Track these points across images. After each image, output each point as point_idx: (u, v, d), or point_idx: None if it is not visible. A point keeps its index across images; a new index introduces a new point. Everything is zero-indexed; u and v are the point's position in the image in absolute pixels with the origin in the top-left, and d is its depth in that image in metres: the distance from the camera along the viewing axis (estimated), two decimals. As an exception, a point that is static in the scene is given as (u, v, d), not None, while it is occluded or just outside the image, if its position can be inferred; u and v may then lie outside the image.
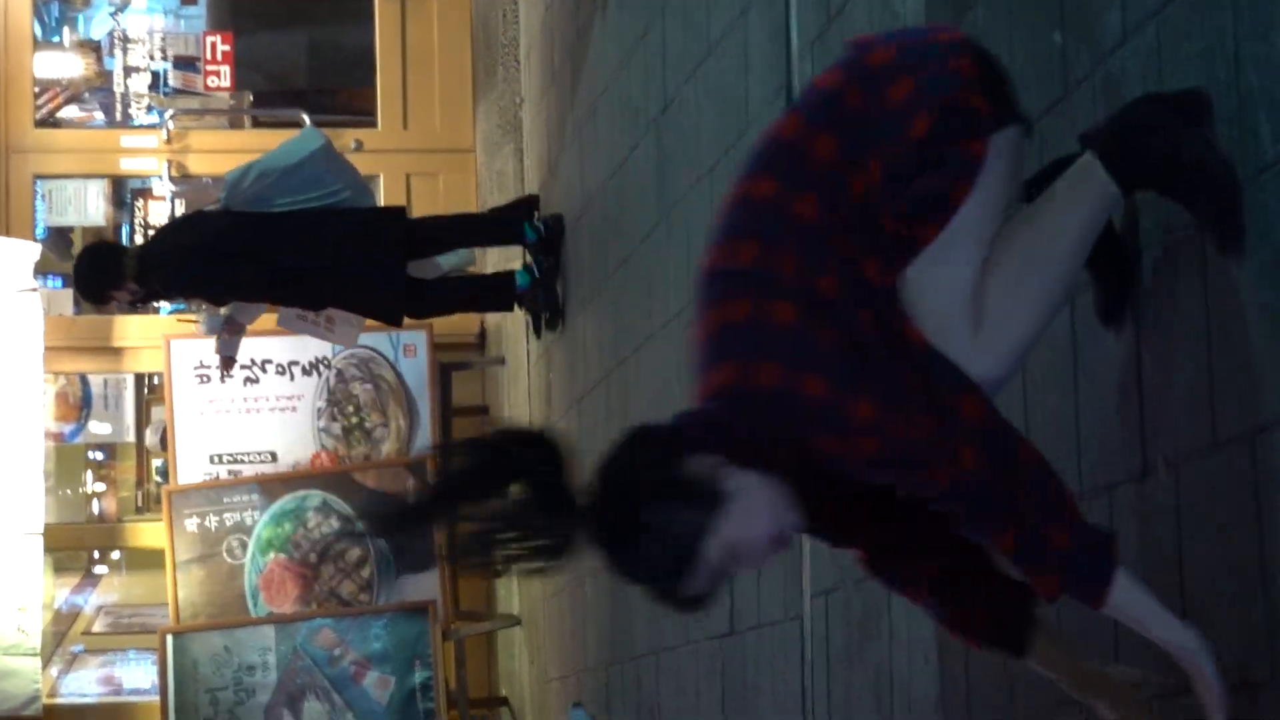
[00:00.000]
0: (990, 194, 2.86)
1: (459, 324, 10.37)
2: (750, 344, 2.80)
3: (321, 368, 9.79)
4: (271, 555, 9.53)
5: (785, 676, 5.19)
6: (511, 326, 9.58)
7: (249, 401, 9.82)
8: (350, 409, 9.75)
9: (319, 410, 9.82)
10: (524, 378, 9.13)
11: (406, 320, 9.86)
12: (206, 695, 9.35)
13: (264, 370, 9.80)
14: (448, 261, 8.29)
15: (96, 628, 11.84)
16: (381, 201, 10.58)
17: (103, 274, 7.64)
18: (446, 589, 9.25)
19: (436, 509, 2.95)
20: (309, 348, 9.77)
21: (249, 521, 9.55)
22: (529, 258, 8.28)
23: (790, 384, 2.74)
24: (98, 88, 11.76)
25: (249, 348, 9.86)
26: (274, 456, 9.84)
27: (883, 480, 2.76)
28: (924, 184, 2.83)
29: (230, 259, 7.51)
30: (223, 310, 8.07)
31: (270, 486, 9.61)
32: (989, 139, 2.85)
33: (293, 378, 9.85)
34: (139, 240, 11.75)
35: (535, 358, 8.91)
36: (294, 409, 9.79)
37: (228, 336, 8.17)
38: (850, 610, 4.66)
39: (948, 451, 2.74)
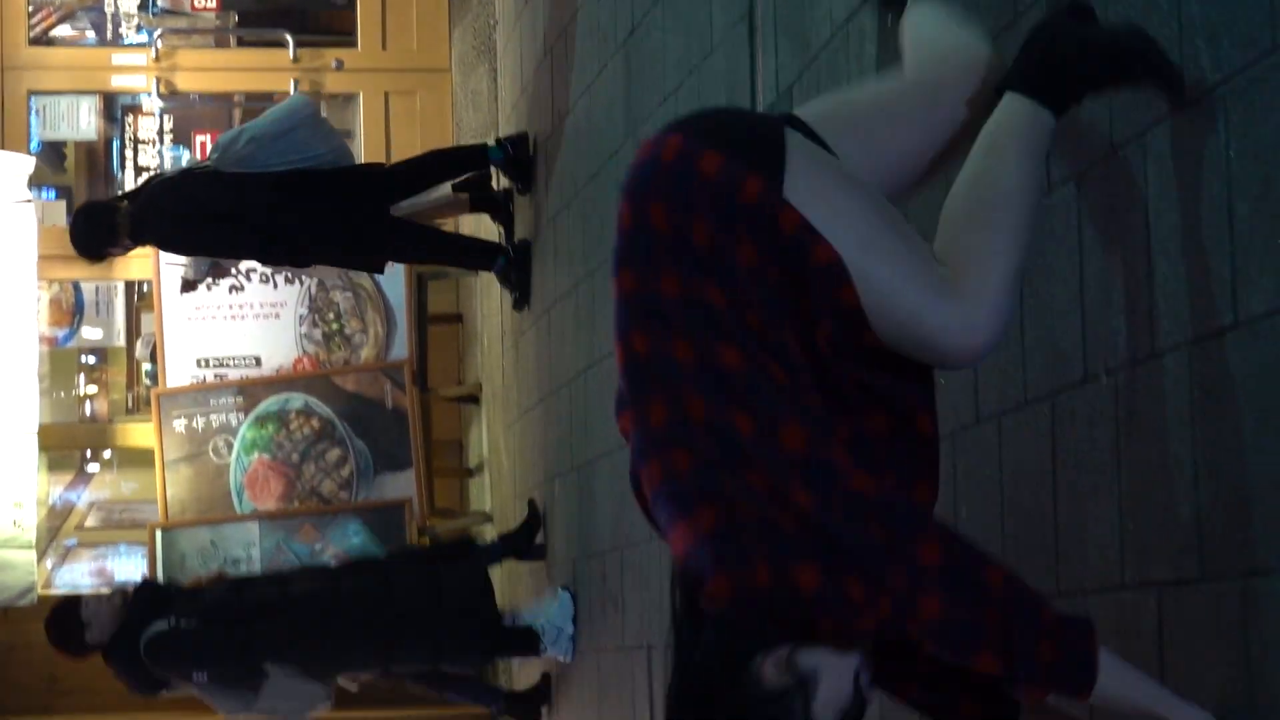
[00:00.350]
0: (843, 198, 2.70)
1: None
2: (735, 546, 2.63)
3: (304, 276, 9.78)
4: (255, 455, 9.54)
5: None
6: (485, 237, 9.55)
7: (234, 309, 9.81)
8: (331, 316, 9.73)
9: (301, 317, 9.81)
10: (497, 288, 9.10)
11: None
12: (193, 584, 9.38)
13: (249, 279, 9.79)
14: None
15: (89, 523, 11.87)
16: (361, 116, 10.58)
17: (98, 233, 7.64)
18: (422, 487, 9.27)
19: None
20: (293, 257, 9.77)
21: (234, 423, 9.56)
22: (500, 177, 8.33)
23: (784, 581, 2.61)
24: (89, 7, 11.64)
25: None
26: (258, 361, 9.84)
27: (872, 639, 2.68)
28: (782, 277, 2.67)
29: (221, 220, 7.51)
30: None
31: (254, 389, 9.61)
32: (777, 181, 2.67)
33: (276, 286, 9.84)
34: (129, 156, 11.69)
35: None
36: (277, 316, 9.77)
37: (212, 280, 8.19)
38: (805, 509, 4.67)
39: (910, 604, 2.61)
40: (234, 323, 9.80)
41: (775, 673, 2.69)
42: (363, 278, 9.71)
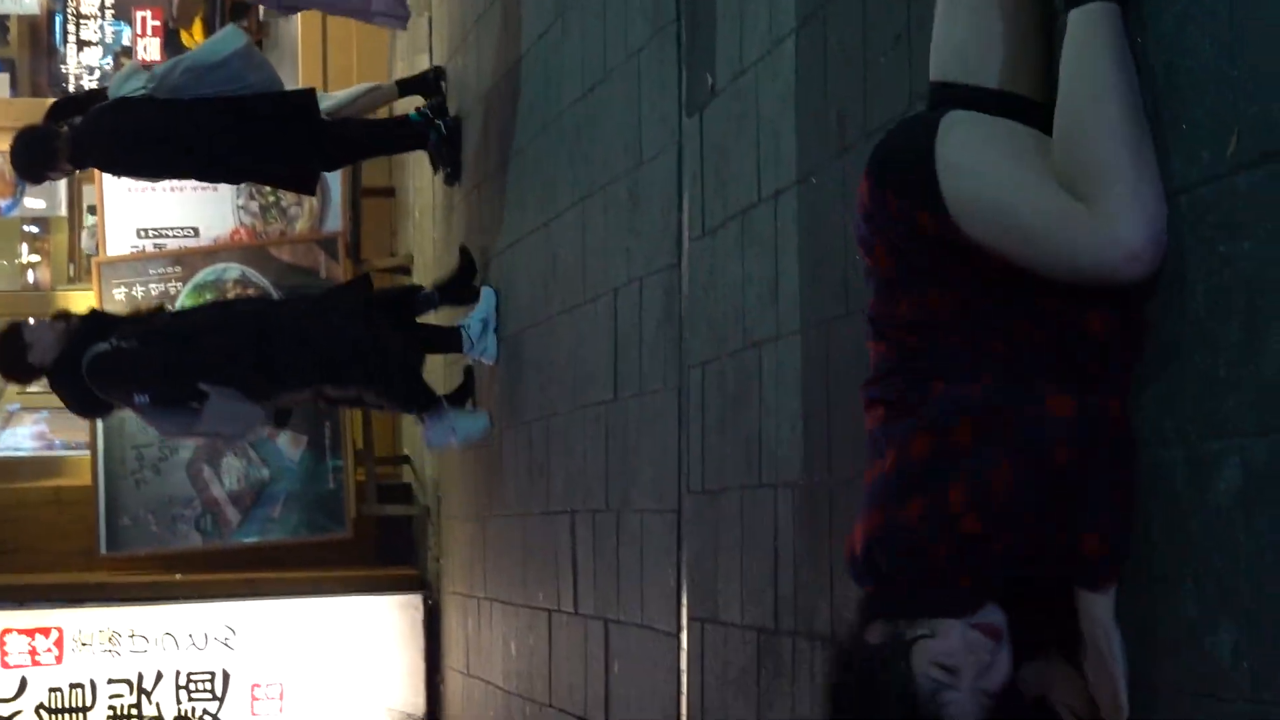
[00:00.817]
0: (991, 184, 2.75)
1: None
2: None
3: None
4: (193, 323, 9.46)
5: (664, 441, 5.20)
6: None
7: (170, 181, 9.72)
8: (267, 189, 9.66)
9: (238, 189, 9.74)
10: (427, 162, 9.03)
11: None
12: (133, 451, 9.34)
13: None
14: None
15: (32, 387, 11.74)
16: (300, 69, 10.48)
17: (38, 158, 7.56)
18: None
19: None
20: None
21: (172, 291, 9.50)
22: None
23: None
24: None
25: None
26: (196, 232, 9.78)
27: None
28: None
29: (159, 143, 7.45)
30: None
31: (192, 259, 9.55)
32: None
33: (214, 159, 9.75)
34: (72, 30, 11.51)
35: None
36: (215, 188, 9.69)
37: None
38: (725, 381, 4.67)
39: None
40: (173, 194, 9.73)
41: (879, 631, 2.75)
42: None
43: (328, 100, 8.01)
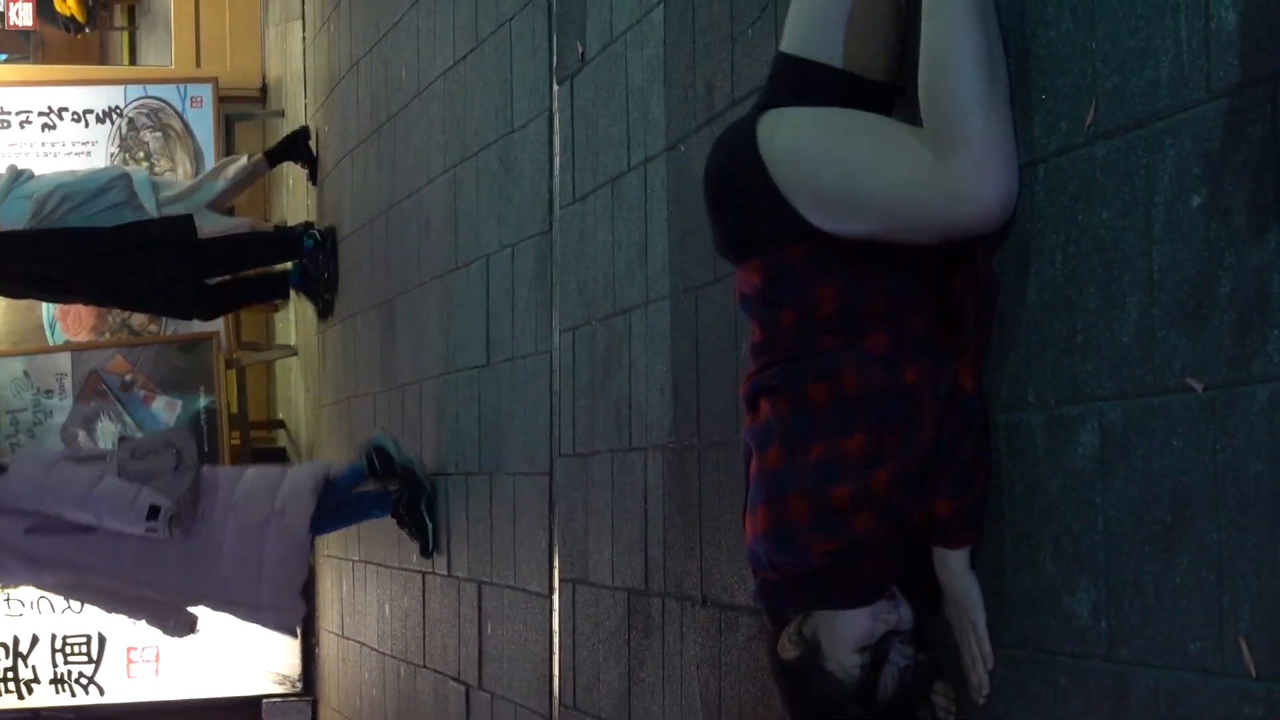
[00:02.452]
0: (825, 167, 2.74)
1: (242, 77, 10.15)
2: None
3: (115, 116, 9.57)
4: (68, 288, 9.33)
5: (535, 406, 5.18)
6: (290, 83, 9.37)
7: (47, 146, 9.62)
8: (141, 155, 9.55)
9: (111, 155, 9.62)
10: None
11: (193, 71, 9.67)
12: (7, 416, 9.19)
13: (60, 117, 9.58)
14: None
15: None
16: (173, 37, 10.34)
17: None
18: (229, 322, 9.14)
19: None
20: (105, 97, 9.58)
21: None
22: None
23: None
24: None
25: (48, 96, 9.59)
26: (70, 197, 9.62)
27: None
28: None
29: (41, 277, 7.26)
30: None
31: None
32: None
33: (87, 125, 9.64)
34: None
35: (312, 113, 8.72)
36: (88, 154, 9.58)
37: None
38: (595, 346, 4.65)
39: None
40: (47, 160, 9.58)
41: (790, 646, 2.76)
42: (172, 118, 9.54)
43: (209, 192, 7.89)
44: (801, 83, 2.87)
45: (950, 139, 2.57)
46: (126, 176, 7.56)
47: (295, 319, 9.46)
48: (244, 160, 8.48)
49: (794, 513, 2.75)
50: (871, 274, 2.77)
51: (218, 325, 9.09)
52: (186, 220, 7.71)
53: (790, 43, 2.94)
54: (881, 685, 2.75)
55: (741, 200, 2.86)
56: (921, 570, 2.79)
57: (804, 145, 2.78)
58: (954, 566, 2.70)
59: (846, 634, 2.76)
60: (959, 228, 2.61)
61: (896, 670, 2.76)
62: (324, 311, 8.15)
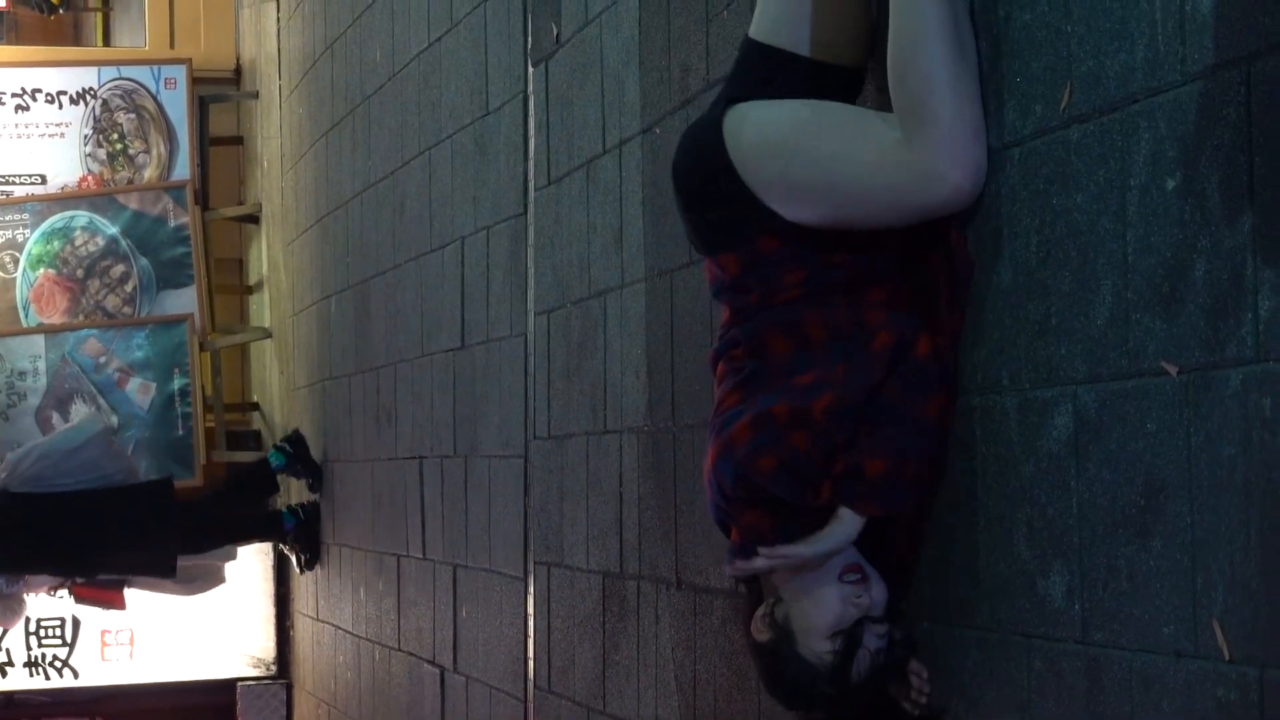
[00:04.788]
0: (796, 162, 2.75)
1: (217, 59, 10.11)
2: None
3: (89, 98, 9.54)
4: (41, 270, 9.31)
5: (510, 388, 5.17)
6: (265, 65, 9.34)
7: (20, 127, 9.57)
8: (115, 136, 9.51)
9: (85, 137, 9.58)
10: (276, 111, 8.92)
11: (167, 52, 9.63)
12: (-20, 398, 9.16)
13: (34, 99, 9.53)
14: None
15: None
16: (147, 23, 10.28)
17: None
18: (204, 303, 9.11)
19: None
20: (78, 78, 9.55)
21: (20, 239, 9.31)
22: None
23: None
24: None
25: (21, 77, 9.55)
26: (43, 179, 9.60)
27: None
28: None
29: (14, 540, 7.14)
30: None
31: (39, 206, 9.36)
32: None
33: (61, 106, 9.60)
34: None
35: (287, 94, 8.70)
36: (62, 135, 9.53)
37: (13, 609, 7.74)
38: (570, 329, 4.64)
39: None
40: (20, 141, 9.54)
41: (763, 629, 2.76)
42: (146, 99, 9.50)
43: None
44: (768, 72, 2.87)
45: (919, 118, 2.57)
46: (104, 431, 7.51)
47: (269, 301, 9.44)
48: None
49: (739, 434, 2.77)
50: (839, 260, 2.77)
51: (192, 307, 9.07)
52: (165, 484, 7.68)
53: (758, 29, 2.94)
54: (855, 668, 2.75)
55: (711, 199, 2.87)
56: (883, 541, 2.80)
57: (771, 140, 2.78)
58: (842, 519, 2.71)
59: (818, 620, 2.76)
60: (930, 207, 2.61)
61: (869, 653, 2.76)
62: (308, 565, 8.16)
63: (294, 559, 8.21)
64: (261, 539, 8.40)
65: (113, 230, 9.26)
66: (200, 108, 9.53)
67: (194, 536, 7.62)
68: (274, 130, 9.02)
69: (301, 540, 8.03)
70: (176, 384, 8.96)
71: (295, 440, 8.07)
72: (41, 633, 8.78)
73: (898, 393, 2.65)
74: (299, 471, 8.03)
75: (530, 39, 4.99)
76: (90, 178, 9.60)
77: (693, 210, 2.95)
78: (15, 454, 7.29)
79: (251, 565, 8.90)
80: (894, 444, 2.65)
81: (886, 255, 2.77)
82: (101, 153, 9.60)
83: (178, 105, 9.47)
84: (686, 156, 2.96)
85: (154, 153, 9.54)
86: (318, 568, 8.06)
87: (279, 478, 8.19)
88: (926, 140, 2.57)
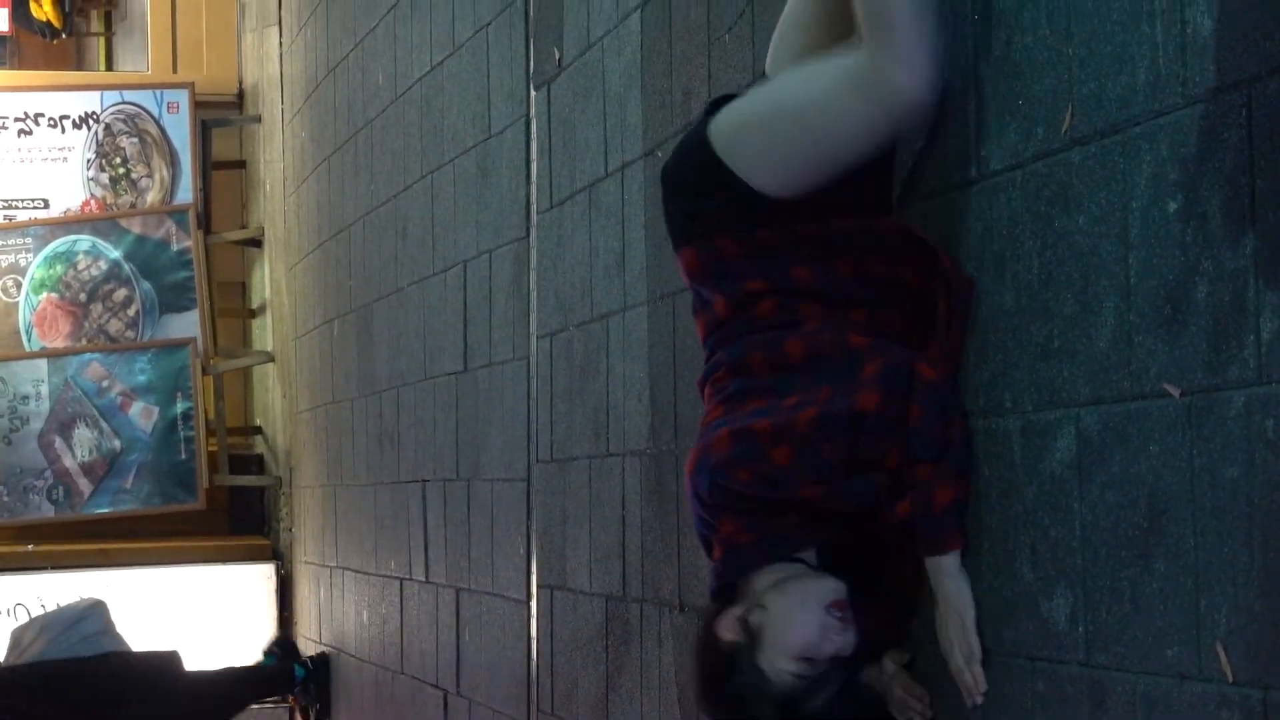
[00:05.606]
0: (769, 127, 2.82)
1: (219, 83, 10.12)
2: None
3: (91, 122, 9.55)
4: (44, 294, 9.32)
5: (513, 411, 5.17)
6: (267, 89, 9.36)
7: (23, 152, 9.58)
8: (117, 160, 9.52)
9: (88, 161, 9.60)
10: (278, 135, 8.93)
11: (170, 76, 9.63)
12: (-17, 422, 9.16)
13: (36, 123, 9.54)
14: None
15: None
16: (150, 42, 10.29)
17: None
18: (207, 327, 9.11)
19: None
20: (81, 103, 9.58)
21: (23, 263, 9.32)
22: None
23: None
24: None
25: (24, 102, 9.56)
26: (46, 203, 9.60)
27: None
28: None
29: (18, 714, 7.18)
30: None
31: (42, 231, 9.37)
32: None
33: (64, 130, 9.61)
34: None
35: (289, 118, 8.71)
36: (65, 159, 9.54)
37: None
38: (572, 352, 4.64)
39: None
40: (23, 165, 9.56)
41: (731, 629, 2.76)
42: (149, 124, 9.52)
43: None
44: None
45: (878, 33, 2.66)
46: (102, 605, 7.54)
47: (272, 325, 9.44)
48: None
49: (718, 443, 2.78)
50: (800, 275, 2.82)
51: (194, 331, 9.07)
52: (171, 656, 7.69)
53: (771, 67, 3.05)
54: (810, 701, 2.74)
55: (693, 188, 2.93)
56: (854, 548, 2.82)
57: (745, 116, 2.86)
58: (948, 569, 2.69)
59: (793, 639, 2.75)
60: (895, 116, 2.69)
61: (832, 691, 2.76)
62: (319, 717, 8.18)
63: (304, 712, 8.23)
64: (271, 695, 8.42)
65: (115, 254, 9.27)
66: (203, 132, 9.54)
67: (196, 714, 7.69)
68: (276, 154, 9.03)
69: (312, 690, 8.06)
70: (179, 408, 8.97)
71: (319, 662, 8.10)
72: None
73: (927, 419, 2.64)
74: (311, 693, 8.07)
75: (532, 62, 5.00)
76: (93, 202, 9.61)
77: (673, 199, 3.01)
78: (17, 629, 7.38)
79: (255, 588, 8.90)
80: (953, 471, 2.66)
81: (851, 278, 2.80)
82: (104, 177, 9.61)
83: (180, 129, 9.48)
84: (675, 157, 3.03)
85: (156, 177, 9.55)
86: (319, 589, 8.06)
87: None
88: (886, 51, 2.65)
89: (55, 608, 8.03)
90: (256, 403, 9.98)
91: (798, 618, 2.76)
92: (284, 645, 8.17)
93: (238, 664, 8.44)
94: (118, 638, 7.35)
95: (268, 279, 9.55)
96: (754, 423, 2.74)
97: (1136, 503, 2.29)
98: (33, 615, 7.79)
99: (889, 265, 2.79)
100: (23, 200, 9.59)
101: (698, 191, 2.90)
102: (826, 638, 2.75)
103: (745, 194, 2.81)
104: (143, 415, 9.01)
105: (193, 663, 8.06)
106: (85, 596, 7.87)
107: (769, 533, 2.79)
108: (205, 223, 9.40)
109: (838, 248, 2.80)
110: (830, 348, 2.74)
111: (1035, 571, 2.51)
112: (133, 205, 9.55)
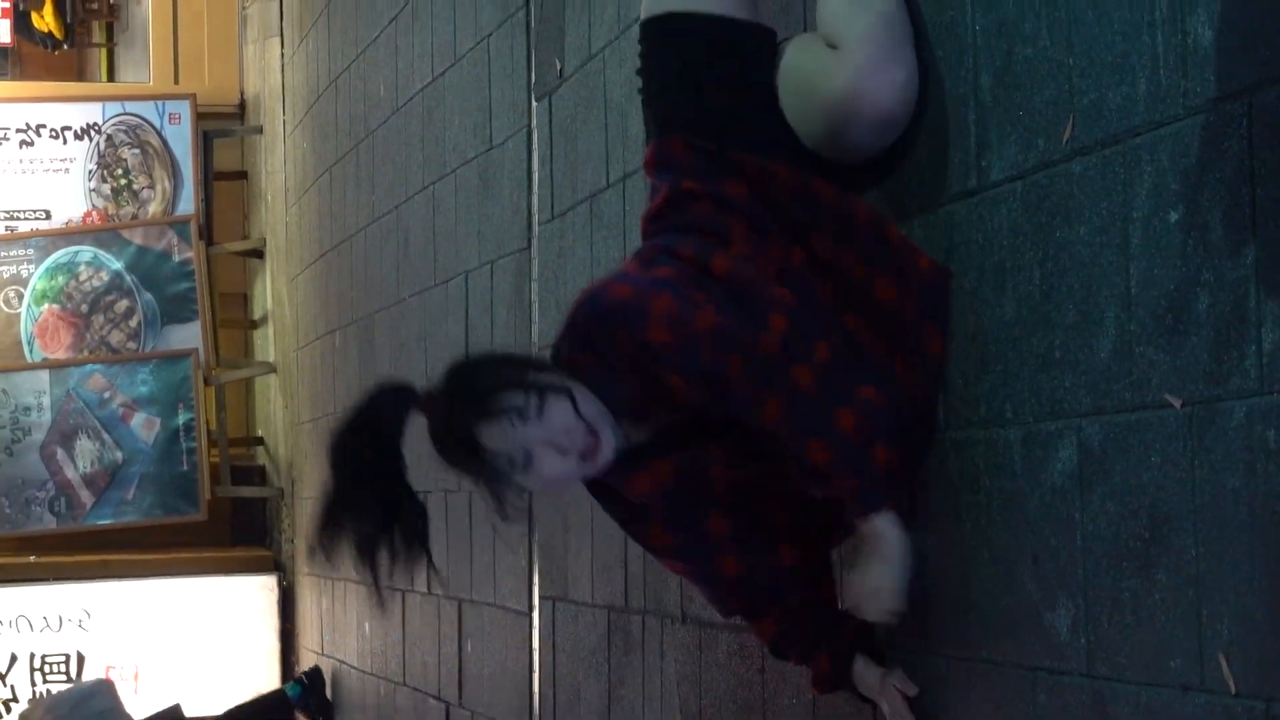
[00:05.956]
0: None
1: (221, 94, 10.14)
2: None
3: (93, 133, 9.56)
4: (46, 305, 9.33)
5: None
6: (269, 100, 9.36)
7: (25, 163, 9.59)
8: (119, 171, 9.54)
9: (90, 172, 9.61)
10: (280, 146, 8.94)
11: (171, 87, 9.65)
12: (-15, 434, 9.17)
13: (38, 134, 9.56)
14: None
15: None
16: (151, 51, 10.32)
17: None
18: (208, 338, 9.12)
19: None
20: (83, 114, 9.58)
21: (25, 274, 9.33)
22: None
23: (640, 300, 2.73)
24: None
25: (26, 113, 9.57)
26: (48, 214, 9.62)
27: (715, 378, 2.69)
28: None
29: None
30: None
31: (44, 242, 9.37)
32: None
33: (65, 141, 9.62)
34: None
35: (291, 129, 8.72)
36: (67, 170, 9.56)
37: None
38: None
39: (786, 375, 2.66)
40: (25, 177, 9.57)
41: (512, 400, 2.81)
42: (150, 135, 9.54)
43: None
44: (678, 50, 2.94)
45: (837, 38, 2.76)
46: (109, 683, 7.57)
47: (274, 336, 9.44)
48: None
49: (618, 288, 2.80)
50: (735, 191, 2.87)
51: (196, 342, 9.08)
52: (173, 712, 7.73)
53: (651, 6, 3.01)
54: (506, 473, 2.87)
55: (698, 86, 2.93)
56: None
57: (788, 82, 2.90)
58: (881, 524, 2.68)
59: (540, 429, 2.86)
60: (854, 118, 2.75)
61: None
62: None
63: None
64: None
65: (117, 265, 9.28)
66: (204, 143, 9.56)
67: None
68: (278, 165, 9.04)
69: (312, 705, 8.07)
70: (181, 419, 8.97)
71: (313, 676, 8.10)
72: (46, 668, 8.77)
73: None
74: (311, 708, 8.06)
75: (534, 73, 5.00)
76: (95, 213, 9.62)
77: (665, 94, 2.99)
78: (24, 711, 7.44)
79: (256, 599, 8.90)
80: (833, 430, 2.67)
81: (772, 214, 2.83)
82: (106, 188, 9.63)
83: (182, 140, 9.49)
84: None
85: (158, 188, 9.56)
86: (322, 600, 8.06)
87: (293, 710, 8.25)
88: (847, 55, 2.74)
89: (63, 690, 8.08)
90: (258, 414, 9.99)
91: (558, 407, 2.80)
92: (312, 678, 8.15)
93: (233, 704, 8.44)
94: (125, 716, 7.39)
95: (269, 290, 9.55)
96: (656, 291, 2.73)
97: (1138, 513, 2.29)
98: (38, 695, 7.85)
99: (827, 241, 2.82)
100: (24, 211, 9.60)
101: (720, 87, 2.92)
102: (568, 437, 2.80)
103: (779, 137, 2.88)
104: (144, 426, 9.02)
105: (196, 678, 8.11)
106: (92, 678, 7.93)
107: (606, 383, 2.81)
108: (207, 234, 9.41)
109: (770, 185, 2.84)
110: (749, 283, 2.75)
111: (1036, 582, 2.51)
112: (134, 216, 9.56)
